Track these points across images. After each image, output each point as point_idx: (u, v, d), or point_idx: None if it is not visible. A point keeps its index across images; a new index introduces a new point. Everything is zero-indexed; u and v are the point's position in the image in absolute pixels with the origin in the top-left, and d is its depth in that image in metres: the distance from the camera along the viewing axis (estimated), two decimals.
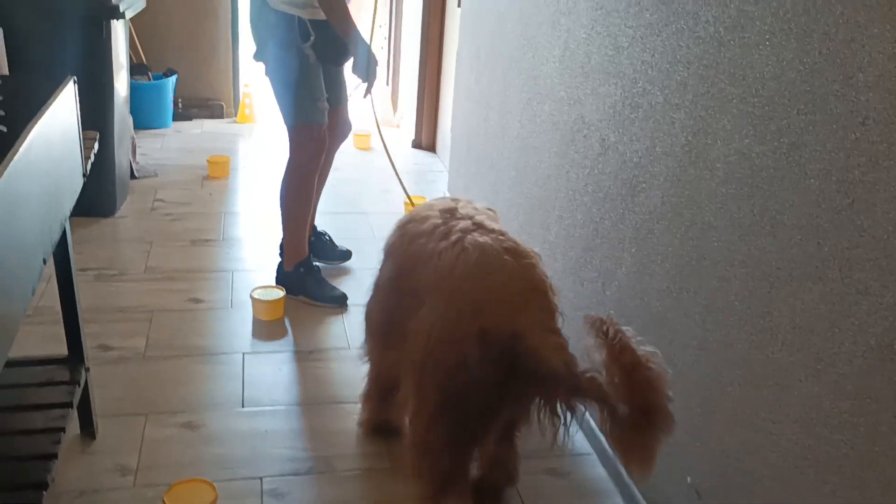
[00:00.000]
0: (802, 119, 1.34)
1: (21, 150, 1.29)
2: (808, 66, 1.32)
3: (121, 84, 3.37)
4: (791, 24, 1.36)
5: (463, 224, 1.77)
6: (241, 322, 2.70)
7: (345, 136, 3.07)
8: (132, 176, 3.84)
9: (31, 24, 3.04)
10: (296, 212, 2.88)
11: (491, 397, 1.64)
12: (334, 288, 2.93)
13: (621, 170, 2.01)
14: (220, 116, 5.07)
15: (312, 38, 2.65)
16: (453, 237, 1.74)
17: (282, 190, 2.86)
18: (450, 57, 4.25)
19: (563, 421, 1.60)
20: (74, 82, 1.74)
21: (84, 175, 1.83)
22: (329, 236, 3.24)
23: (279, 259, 2.96)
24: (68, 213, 1.71)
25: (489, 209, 1.97)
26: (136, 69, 4.60)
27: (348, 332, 2.69)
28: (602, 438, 2.13)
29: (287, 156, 2.82)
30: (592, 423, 2.19)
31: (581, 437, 2.25)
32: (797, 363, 1.38)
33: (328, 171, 3.09)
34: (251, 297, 2.73)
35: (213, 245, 3.27)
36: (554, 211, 2.47)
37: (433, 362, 1.65)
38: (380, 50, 4.89)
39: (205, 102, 5.03)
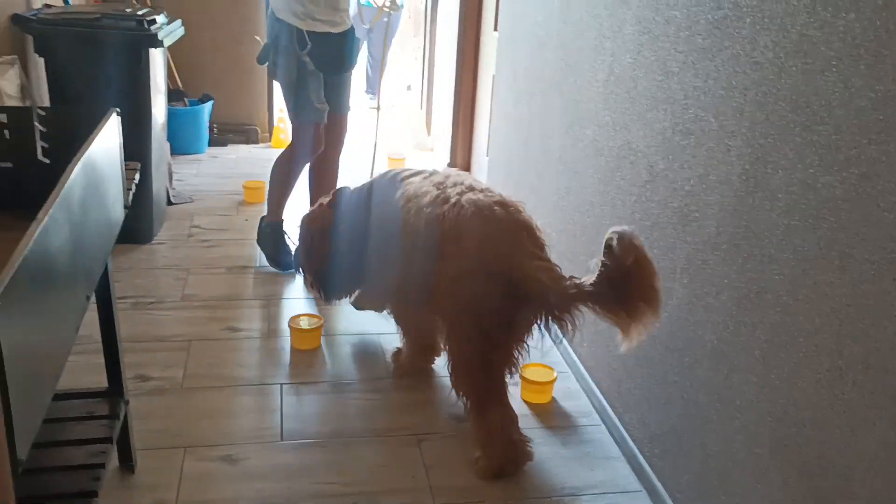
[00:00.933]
0: (875, 149, 1.27)
1: (66, 185, 1.26)
2: (881, 93, 1.25)
3: (158, 111, 3.37)
4: (861, 50, 1.30)
5: (456, 189, 2.16)
6: (279, 351, 2.66)
7: (343, 140, 3.41)
8: (169, 202, 3.84)
9: (72, 54, 3.06)
10: (278, 184, 3.27)
11: (504, 318, 2.02)
12: (288, 255, 3.25)
13: (671, 198, 1.95)
14: (256, 141, 5.08)
15: (309, 46, 2.96)
16: (452, 200, 2.12)
17: (275, 164, 3.28)
18: (485, 80, 4.22)
19: (563, 328, 1.98)
20: (117, 114, 1.72)
21: (126, 207, 1.81)
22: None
23: None
24: (111, 247, 1.69)
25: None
26: (172, 95, 4.63)
27: (388, 361, 2.64)
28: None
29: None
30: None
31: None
32: (871, 405, 1.30)
33: (335, 173, 3.43)
34: (289, 325, 2.70)
35: (249, 272, 3.24)
36: (598, 239, 2.40)
37: (458, 300, 2.06)
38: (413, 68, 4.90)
39: (240, 127, 5.05)
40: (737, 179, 1.66)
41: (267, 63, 3.14)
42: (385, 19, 4.13)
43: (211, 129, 4.92)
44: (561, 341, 2.15)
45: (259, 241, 3.37)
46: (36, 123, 1.75)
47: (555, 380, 2.49)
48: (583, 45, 2.51)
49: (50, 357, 1.17)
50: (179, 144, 4.66)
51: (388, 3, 3.71)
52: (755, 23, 1.59)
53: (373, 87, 6.20)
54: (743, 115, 1.63)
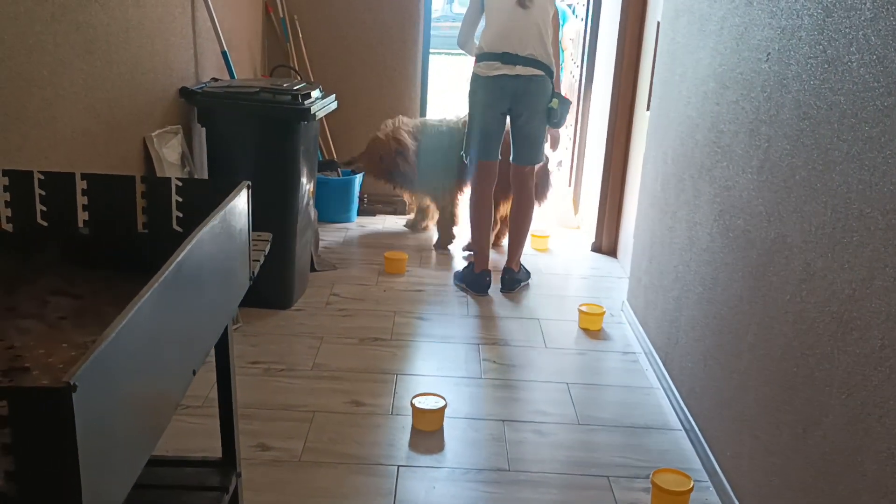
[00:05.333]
0: None
1: (177, 261, 1.26)
2: None
3: (307, 179, 3.47)
4: None
5: None
6: (400, 430, 2.59)
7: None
8: (312, 268, 3.93)
9: (230, 125, 3.22)
10: (472, 226, 3.95)
11: None
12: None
13: (829, 301, 1.74)
14: (403, 213, 5.15)
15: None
16: None
17: (528, 211, 3.95)
18: (636, 161, 4.09)
19: None
20: (248, 187, 1.74)
21: (251, 278, 1.82)
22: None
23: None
24: (229, 319, 1.69)
25: None
26: (326, 165, 4.79)
27: (509, 452, 2.50)
28: None
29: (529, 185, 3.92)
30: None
31: None
32: None
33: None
34: (411, 404, 2.63)
35: (381, 345, 3.22)
36: (746, 337, 2.20)
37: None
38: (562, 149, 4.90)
39: (389, 199, 5.15)
40: None
41: (551, 123, 3.79)
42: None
43: (361, 200, 5.04)
44: None
45: (521, 281, 4.00)
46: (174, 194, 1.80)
47: (691, 489, 2.27)
48: (737, 130, 2.35)
49: (140, 434, 1.14)
50: (329, 213, 4.80)
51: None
52: None
53: None
54: None
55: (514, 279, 3.94)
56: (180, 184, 1.80)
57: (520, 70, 3.54)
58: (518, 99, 3.59)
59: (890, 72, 1.54)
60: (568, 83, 5.20)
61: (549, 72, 3.59)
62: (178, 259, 1.21)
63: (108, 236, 1.81)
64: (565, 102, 3.71)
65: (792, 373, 1.90)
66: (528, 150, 3.76)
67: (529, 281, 4.05)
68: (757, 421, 2.09)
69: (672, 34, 3.13)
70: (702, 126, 2.68)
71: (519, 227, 3.95)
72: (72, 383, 0.89)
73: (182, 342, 1.31)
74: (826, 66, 1.81)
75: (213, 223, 1.45)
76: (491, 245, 4.10)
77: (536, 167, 3.89)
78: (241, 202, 1.69)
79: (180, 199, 1.81)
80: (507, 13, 3.55)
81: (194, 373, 1.40)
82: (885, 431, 1.51)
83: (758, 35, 2.22)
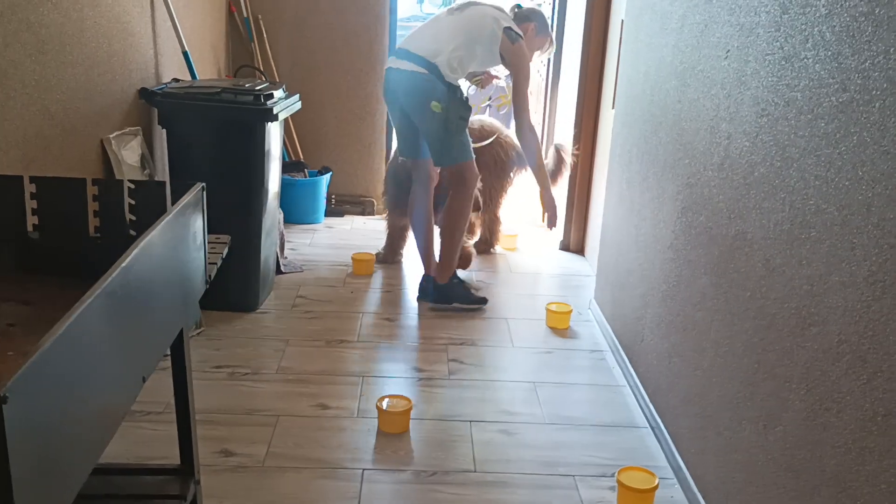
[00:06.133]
0: None
1: (127, 261, 1.23)
2: None
3: (271, 181, 3.43)
4: None
5: None
6: (366, 433, 2.57)
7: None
8: (278, 271, 3.89)
9: (191, 126, 3.17)
10: (459, 233, 3.59)
11: None
12: (476, 293, 3.69)
13: (789, 297, 1.74)
14: (371, 213, 5.13)
15: (466, 97, 3.47)
16: None
17: (448, 218, 3.56)
18: (603, 158, 4.10)
19: None
20: (203, 190, 1.71)
21: (207, 282, 1.79)
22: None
23: (421, 287, 3.71)
24: (184, 324, 1.66)
25: None
26: (293, 166, 4.76)
27: (476, 452, 2.49)
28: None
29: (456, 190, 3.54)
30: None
31: None
32: None
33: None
34: (377, 406, 2.61)
35: (347, 347, 3.20)
36: (709, 334, 2.21)
37: None
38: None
39: (357, 199, 5.12)
40: (863, 282, 1.45)
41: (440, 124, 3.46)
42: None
43: (329, 200, 5.00)
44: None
45: (447, 301, 3.61)
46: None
47: (656, 487, 2.27)
48: (699, 127, 2.36)
49: (83, 443, 1.11)
50: (297, 214, 4.76)
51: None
52: (885, 108, 1.40)
53: None
54: (870, 211, 1.44)
55: (424, 288, 3.69)
56: (133, 186, 1.76)
57: (401, 64, 3.41)
58: (398, 94, 3.46)
59: (844, 68, 1.55)
60: (535, 83, 5.19)
61: (437, 73, 3.33)
62: (121, 266, 1.18)
63: (59, 241, 1.76)
64: (457, 108, 3.38)
65: (753, 369, 1.91)
66: (432, 150, 3.50)
67: (465, 306, 3.62)
68: (720, 417, 2.09)
69: (635, 32, 3.13)
70: (665, 124, 2.68)
71: (440, 231, 3.70)
72: (2, 395, 0.86)
73: (129, 349, 1.28)
74: (783, 62, 1.81)
75: (161, 228, 1.42)
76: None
77: (460, 169, 3.50)
78: (194, 205, 1.66)
79: (133, 203, 1.77)
80: (435, 17, 3.53)
81: (144, 379, 1.37)
82: (842, 426, 1.51)
83: (717, 32, 2.23)
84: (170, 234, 1.49)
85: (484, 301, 3.65)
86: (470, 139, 3.55)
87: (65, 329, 0.97)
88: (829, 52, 1.61)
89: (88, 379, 1.09)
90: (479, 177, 3.64)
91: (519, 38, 3.43)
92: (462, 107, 3.43)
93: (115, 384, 1.22)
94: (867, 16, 1.47)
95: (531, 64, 3.59)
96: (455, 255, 3.63)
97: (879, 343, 1.40)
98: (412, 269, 4.17)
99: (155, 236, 1.38)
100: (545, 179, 3.65)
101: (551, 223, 3.83)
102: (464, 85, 3.58)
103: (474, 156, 3.55)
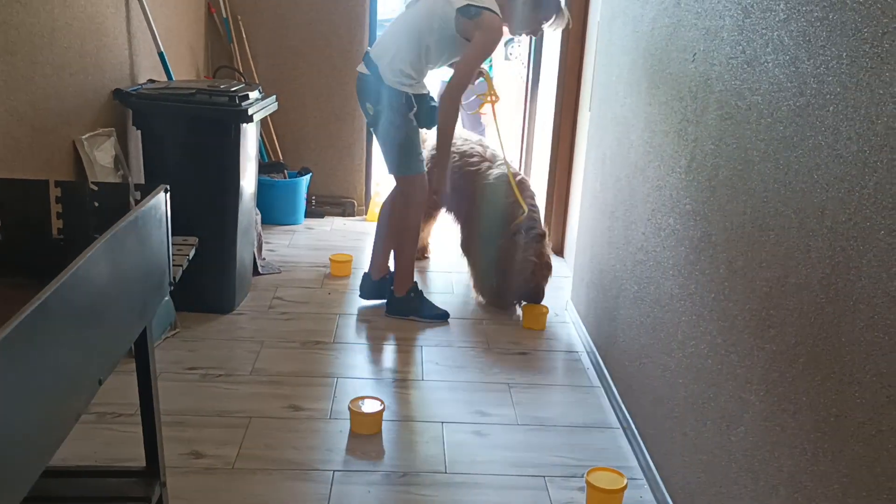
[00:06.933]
0: None
1: (80, 264, 1.22)
2: None
3: (248, 182, 3.43)
4: None
5: None
6: (338, 435, 2.57)
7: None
8: (256, 272, 3.88)
9: (166, 127, 3.17)
10: (408, 246, 3.50)
11: None
12: (437, 307, 3.57)
13: (749, 299, 1.76)
14: (352, 214, 5.12)
15: (415, 108, 3.26)
16: None
17: (393, 230, 3.54)
18: (580, 160, 4.11)
19: None
20: (166, 191, 1.71)
21: (171, 284, 1.79)
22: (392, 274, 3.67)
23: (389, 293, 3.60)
24: (145, 325, 1.65)
25: None
26: (272, 167, 4.75)
27: (447, 454, 2.50)
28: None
29: (397, 201, 3.48)
30: None
31: None
32: None
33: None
34: (349, 408, 2.61)
35: (322, 348, 3.20)
36: (677, 336, 2.22)
37: None
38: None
39: (337, 200, 5.11)
40: (817, 285, 1.47)
41: (374, 127, 3.39)
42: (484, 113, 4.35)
43: (309, 201, 5.00)
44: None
45: (405, 313, 3.54)
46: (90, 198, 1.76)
47: (624, 487, 2.28)
48: (668, 130, 2.37)
49: (31, 446, 1.11)
50: (276, 215, 4.75)
51: (490, 94, 3.68)
52: (838, 112, 1.42)
53: None
54: (824, 214, 1.45)
55: (362, 286, 3.69)
56: (97, 188, 1.76)
57: (360, 67, 3.37)
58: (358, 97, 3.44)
59: (801, 72, 1.56)
60: (517, 87, 5.21)
61: (377, 75, 3.23)
62: (72, 270, 1.18)
63: (22, 242, 1.76)
64: (392, 114, 3.25)
65: (717, 370, 1.92)
66: (382, 153, 3.43)
67: (422, 320, 3.52)
68: (686, 418, 2.11)
69: (609, 35, 3.15)
70: (636, 126, 2.70)
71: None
72: None
73: (83, 351, 1.27)
74: (745, 66, 1.83)
75: (119, 230, 1.42)
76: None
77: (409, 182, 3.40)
78: (156, 207, 1.65)
79: (98, 204, 1.77)
80: (397, 16, 3.43)
81: (101, 382, 1.36)
82: (798, 427, 1.53)
83: (685, 35, 2.24)
84: (129, 236, 1.49)
85: (444, 316, 3.55)
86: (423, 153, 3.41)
87: (7, 333, 0.97)
88: (788, 57, 1.62)
89: (35, 382, 1.09)
90: (429, 194, 3.47)
91: (480, 13, 3.11)
92: (397, 114, 3.23)
93: (66, 387, 1.21)
94: (822, 21, 1.49)
95: (496, 39, 3.21)
96: (406, 269, 3.52)
97: (832, 345, 1.41)
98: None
99: (112, 239, 1.37)
100: (441, 159, 3.35)
101: (436, 202, 3.81)
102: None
103: (423, 170, 3.39)
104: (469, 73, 3.23)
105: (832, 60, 1.45)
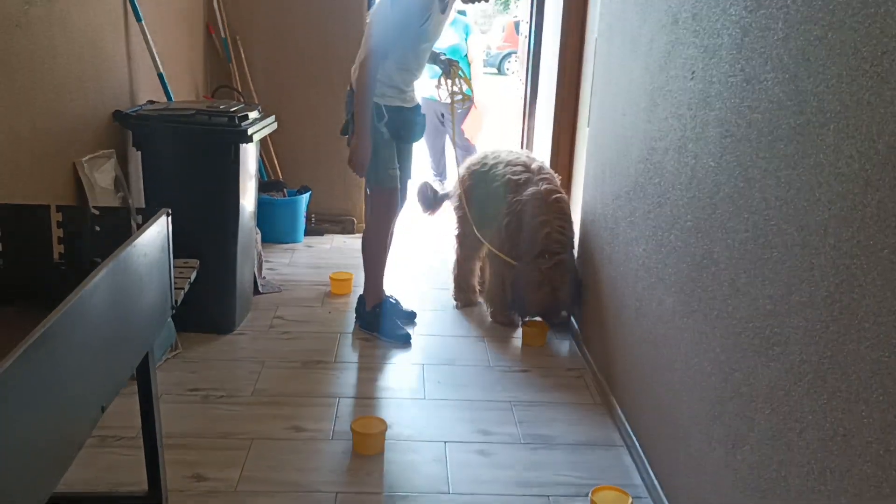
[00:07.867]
0: None
1: (82, 293, 1.22)
2: None
3: (247, 200, 3.43)
4: None
5: None
6: (340, 456, 2.56)
7: (403, 205, 3.63)
8: (256, 291, 3.87)
9: (166, 148, 3.17)
10: (373, 260, 3.52)
11: None
12: (402, 328, 3.52)
13: (753, 317, 1.75)
14: (352, 231, 5.12)
15: (385, 118, 3.26)
16: None
17: (363, 243, 3.54)
18: (579, 175, 4.11)
19: None
20: (168, 215, 1.71)
21: (173, 307, 1.78)
22: (395, 299, 3.71)
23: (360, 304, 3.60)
24: (147, 350, 1.65)
25: None
26: (272, 186, 4.75)
27: (450, 473, 2.48)
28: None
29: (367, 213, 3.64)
30: None
31: None
32: None
33: (390, 238, 3.61)
34: (351, 428, 2.60)
35: (324, 368, 3.19)
36: (679, 352, 2.22)
37: None
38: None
39: (337, 218, 5.12)
40: (821, 302, 1.47)
41: (348, 135, 3.32)
42: (459, 110, 4.33)
43: (308, 219, 5.00)
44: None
45: (369, 329, 3.53)
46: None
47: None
48: (668, 147, 2.37)
49: (36, 474, 1.10)
50: (276, 234, 4.75)
51: (457, 94, 3.67)
52: (839, 130, 1.42)
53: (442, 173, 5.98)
54: (827, 232, 1.45)
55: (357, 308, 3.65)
56: (98, 213, 1.76)
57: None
58: None
59: (801, 90, 1.57)
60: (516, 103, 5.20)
61: (352, 87, 3.25)
62: (75, 298, 1.17)
63: (23, 267, 1.76)
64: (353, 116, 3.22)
65: (721, 388, 1.92)
66: None
67: (384, 339, 3.48)
68: (690, 436, 2.10)
69: (607, 52, 3.16)
70: (635, 143, 2.70)
71: None
72: None
73: (86, 379, 1.27)
74: (745, 84, 1.84)
75: (121, 257, 1.42)
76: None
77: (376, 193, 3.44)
78: (158, 231, 1.65)
79: (99, 229, 1.77)
80: None
81: (104, 409, 1.36)
82: (805, 445, 1.52)
83: (683, 53, 2.25)
84: (132, 262, 1.48)
85: (405, 338, 3.45)
86: (397, 168, 3.34)
87: (10, 364, 0.96)
88: (787, 75, 1.63)
89: (39, 411, 1.09)
90: (394, 210, 3.45)
91: None
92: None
93: (69, 415, 1.21)
94: (821, 40, 1.49)
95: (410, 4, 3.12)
96: (371, 283, 3.53)
97: (837, 363, 1.41)
98: (395, 289, 4.17)
99: (114, 265, 1.37)
100: (359, 126, 3.17)
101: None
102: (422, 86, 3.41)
103: (393, 185, 3.35)
104: (374, 33, 3.14)
105: (832, 79, 1.45)
